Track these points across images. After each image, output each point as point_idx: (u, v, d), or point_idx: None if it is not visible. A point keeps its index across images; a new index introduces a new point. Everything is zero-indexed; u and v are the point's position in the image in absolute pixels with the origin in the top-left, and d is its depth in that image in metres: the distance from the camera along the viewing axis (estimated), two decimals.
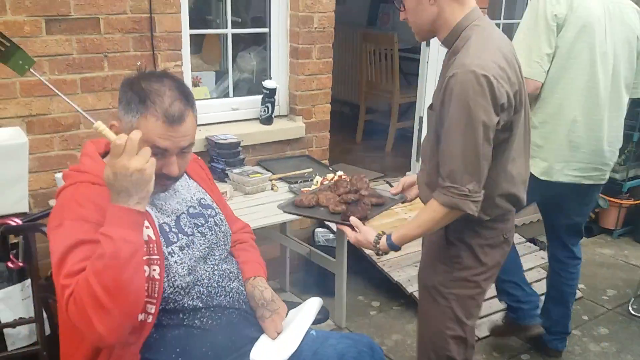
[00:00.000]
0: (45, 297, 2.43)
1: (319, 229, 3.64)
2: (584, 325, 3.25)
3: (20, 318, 2.56)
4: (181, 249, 1.61)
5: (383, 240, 1.86)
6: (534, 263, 3.69)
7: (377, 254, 1.96)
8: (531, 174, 2.10)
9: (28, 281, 2.58)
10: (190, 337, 1.60)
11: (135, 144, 1.35)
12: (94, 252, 1.36)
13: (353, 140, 5.67)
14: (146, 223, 1.52)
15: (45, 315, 2.48)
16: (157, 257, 1.52)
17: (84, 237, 1.41)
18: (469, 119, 1.64)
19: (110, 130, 1.42)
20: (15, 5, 2.49)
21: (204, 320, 1.61)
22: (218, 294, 1.66)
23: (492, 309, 3.27)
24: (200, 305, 1.62)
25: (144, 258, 1.46)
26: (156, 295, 1.52)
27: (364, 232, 1.90)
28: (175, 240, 1.61)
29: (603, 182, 2.70)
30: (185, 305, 1.60)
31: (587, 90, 2.49)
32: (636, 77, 2.62)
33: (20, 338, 2.62)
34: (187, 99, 1.55)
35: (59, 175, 2.57)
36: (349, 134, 5.65)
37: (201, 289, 1.63)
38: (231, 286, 1.70)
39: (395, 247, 1.86)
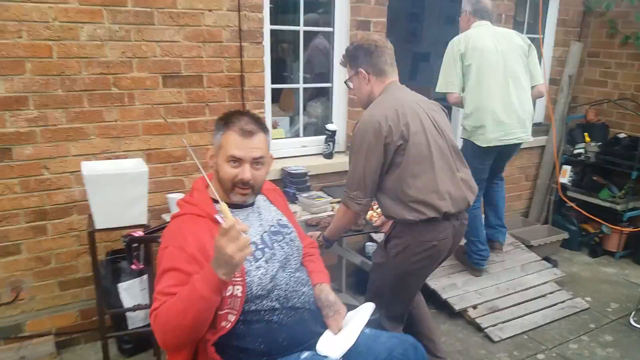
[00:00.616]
0: None
1: (369, 243, 3.61)
2: (591, 333, 3.09)
3: (138, 304, 2.66)
4: (267, 261, 1.63)
5: (320, 237, 2.27)
6: (547, 278, 3.55)
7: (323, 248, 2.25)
8: (478, 146, 3.09)
9: (145, 276, 2.68)
10: (270, 330, 1.60)
11: (237, 232, 1.30)
12: (180, 278, 1.43)
13: None
14: None
15: None
16: (240, 279, 1.54)
17: (178, 265, 1.47)
18: (359, 148, 2.01)
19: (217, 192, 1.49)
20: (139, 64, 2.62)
21: (281, 317, 1.62)
22: (293, 297, 1.66)
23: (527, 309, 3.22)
24: (278, 306, 1.62)
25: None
26: (237, 308, 1.55)
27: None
28: (260, 256, 1.63)
29: (522, 140, 3.20)
30: (265, 306, 1.61)
31: (498, 87, 3.06)
32: (531, 70, 3.19)
33: (138, 320, 2.72)
34: (258, 123, 1.65)
35: (170, 195, 2.66)
36: None
37: (280, 292, 1.64)
38: (303, 290, 1.70)
39: (328, 240, 2.27)
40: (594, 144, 4.30)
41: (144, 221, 2.35)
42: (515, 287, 3.37)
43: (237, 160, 1.60)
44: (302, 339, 1.63)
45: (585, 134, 4.39)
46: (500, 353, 2.86)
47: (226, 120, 1.63)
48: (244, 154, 1.60)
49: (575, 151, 4.37)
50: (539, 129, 4.24)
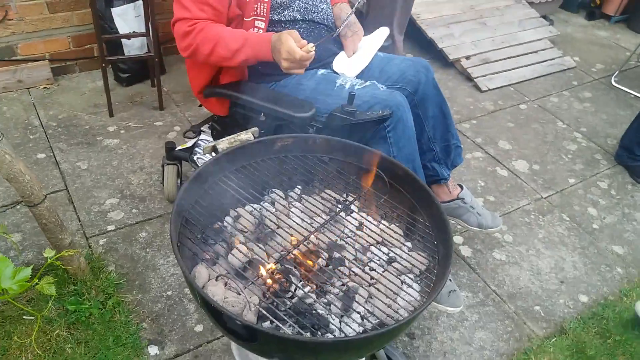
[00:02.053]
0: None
1: None
2: (573, 89, 3.27)
3: (134, 32, 2.61)
4: None
5: None
6: (542, 35, 3.56)
7: None
8: None
9: (140, 2, 2.57)
10: None
11: (306, 63, 1.43)
12: None
13: None
14: None
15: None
16: None
17: None
18: None
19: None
20: None
21: (301, 30, 1.62)
22: (312, 11, 1.65)
23: (517, 63, 3.28)
24: (299, 17, 1.62)
25: None
26: (265, 14, 1.53)
27: None
28: None
29: None
30: (288, 16, 1.60)
31: None
32: None
33: (134, 49, 2.69)
34: None
35: None
36: None
37: (300, 3, 1.61)
38: (322, 7, 1.68)
39: None
40: None
41: None
42: (510, 41, 3.42)
43: None
44: (319, 56, 1.66)
45: None
46: (485, 101, 3.04)
47: None
48: None
49: None
50: None
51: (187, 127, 2.48)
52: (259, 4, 1.51)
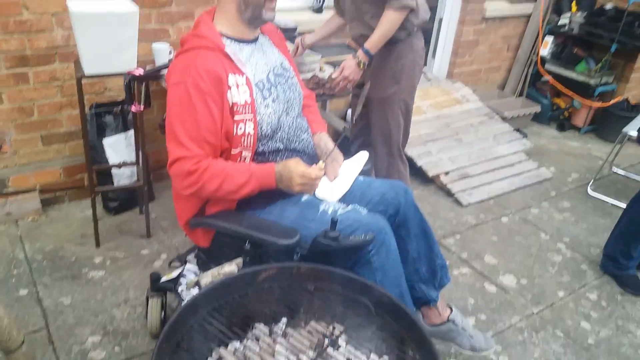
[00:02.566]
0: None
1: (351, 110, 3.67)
2: (552, 199, 3.36)
3: (124, 161, 2.69)
4: (273, 101, 1.65)
5: (359, 52, 2.23)
6: (517, 148, 3.73)
7: (360, 67, 2.27)
8: None
9: (131, 132, 2.68)
10: None
11: (315, 185, 1.59)
12: (199, 122, 1.49)
13: None
14: (244, 87, 1.56)
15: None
16: (251, 115, 1.57)
17: (195, 105, 1.49)
18: None
19: None
20: None
21: (284, 159, 1.67)
22: (295, 141, 1.72)
23: (495, 177, 3.40)
24: (282, 147, 1.69)
25: (241, 118, 1.56)
26: (251, 146, 1.60)
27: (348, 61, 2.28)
28: (268, 95, 1.64)
29: None
30: (271, 147, 1.67)
31: None
32: None
33: (123, 177, 2.76)
34: None
35: (156, 45, 2.54)
36: None
37: (283, 134, 1.69)
38: (303, 136, 1.76)
39: (370, 54, 2.23)
40: (579, 14, 4.28)
41: (134, 67, 2.26)
42: (487, 156, 3.57)
43: None
44: None
45: (573, 2, 4.33)
46: (467, 215, 3.10)
47: None
48: None
49: (560, 22, 4.36)
50: None
51: (174, 254, 2.47)
52: (245, 136, 1.58)
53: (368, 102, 2.50)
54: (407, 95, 2.45)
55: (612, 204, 3.33)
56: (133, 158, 2.69)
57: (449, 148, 3.54)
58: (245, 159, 1.62)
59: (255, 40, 1.71)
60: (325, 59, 2.92)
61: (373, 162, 2.61)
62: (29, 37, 2.43)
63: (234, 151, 1.59)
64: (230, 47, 1.61)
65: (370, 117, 2.51)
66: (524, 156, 3.72)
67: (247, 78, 1.58)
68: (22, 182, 2.71)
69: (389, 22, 2.19)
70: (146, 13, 2.65)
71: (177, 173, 1.52)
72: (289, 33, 2.87)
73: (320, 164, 1.58)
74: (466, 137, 3.68)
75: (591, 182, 3.51)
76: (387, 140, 2.52)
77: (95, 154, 2.63)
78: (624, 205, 2.84)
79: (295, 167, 1.53)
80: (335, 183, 1.78)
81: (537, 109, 4.26)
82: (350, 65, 2.27)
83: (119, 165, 2.67)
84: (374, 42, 2.22)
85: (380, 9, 2.19)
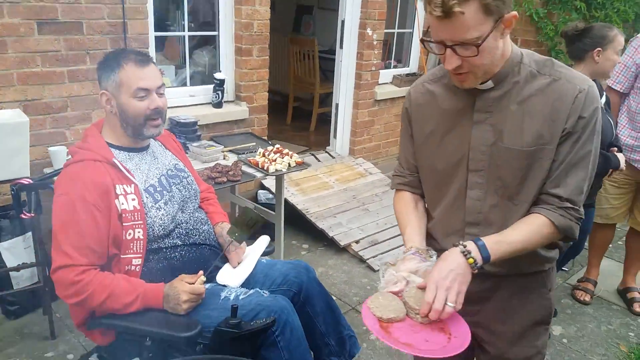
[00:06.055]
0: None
1: (261, 191, 3.75)
2: None
3: (23, 263, 2.56)
4: (166, 203, 1.67)
5: (471, 247, 1.21)
6: None
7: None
8: None
9: (29, 233, 2.57)
10: (172, 268, 1.67)
11: (200, 298, 1.58)
12: (83, 231, 1.49)
13: (284, 121, 5.68)
14: (132, 195, 1.58)
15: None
16: (140, 222, 1.58)
17: (80, 216, 1.49)
18: (597, 145, 1.24)
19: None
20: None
21: (183, 253, 1.69)
22: (194, 234, 1.74)
23: (402, 241, 3.52)
24: (180, 243, 1.69)
25: (130, 224, 1.57)
26: (141, 251, 1.60)
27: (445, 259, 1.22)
28: (159, 198, 1.66)
29: None
30: (167, 244, 1.67)
31: None
32: None
33: (23, 279, 2.61)
34: (144, 54, 1.67)
35: (52, 148, 2.54)
36: (281, 117, 5.62)
37: (180, 230, 1.70)
38: (203, 229, 1.78)
39: (487, 258, 1.21)
40: None
41: (27, 174, 2.24)
42: (392, 222, 3.74)
43: (144, 91, 1.60)
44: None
45: None
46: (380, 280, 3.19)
47: (116, 59, 1.60)
48: (150, 83, 1.60)
49: None
50: None
51: (81, 352, 2.33)
52: (135, 241, 1.58)
53: None
54: None
55: None
56: (33, 259, 2.56)
57: (357, 218, 3.68)
58: (135, 266, 1.60)
59: (146, 147, 1.75)
60: (228, 148, 3.03)
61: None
62: None
63: (124, 257, 1.58)
64: (119, 157, 1.64)
65: None
66: None
67: (135, 186, 1.60)
68: None
69: (538, 232, 1.19)
70: (41, 119, 2.65)
71: (60, 281, 1.48)
72: (189, 127, 2.95)
73: (202, 278, 1.58)
74: (372, 206, 3.85)
75: None
76: None
77: None
78: None
79: (181, 286, 1.54)
80: (238, 268, 1.80)
81: None
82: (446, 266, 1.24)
83: (18, 269, 2.53)
84: (504, 250, 1.22)
85: None
